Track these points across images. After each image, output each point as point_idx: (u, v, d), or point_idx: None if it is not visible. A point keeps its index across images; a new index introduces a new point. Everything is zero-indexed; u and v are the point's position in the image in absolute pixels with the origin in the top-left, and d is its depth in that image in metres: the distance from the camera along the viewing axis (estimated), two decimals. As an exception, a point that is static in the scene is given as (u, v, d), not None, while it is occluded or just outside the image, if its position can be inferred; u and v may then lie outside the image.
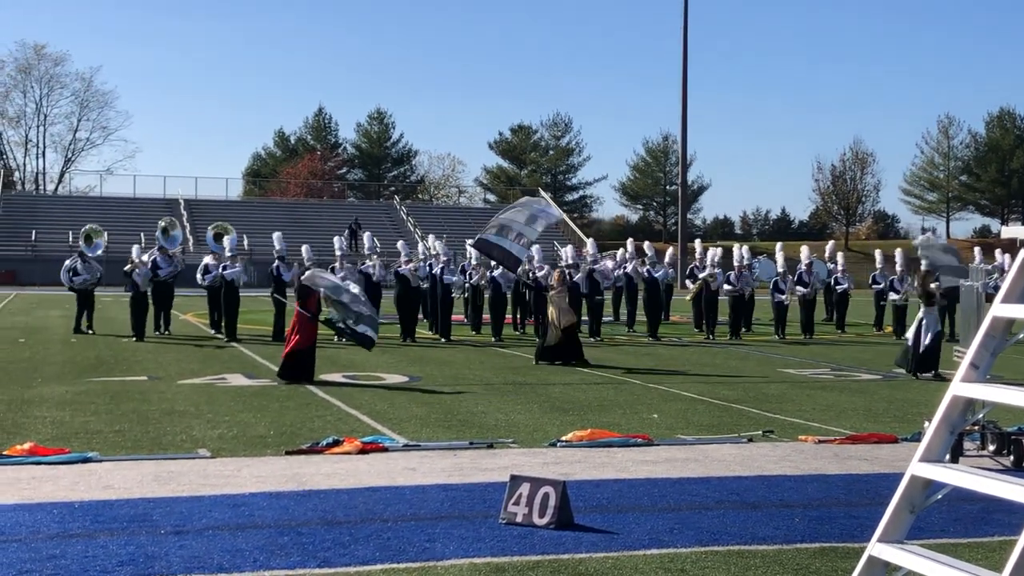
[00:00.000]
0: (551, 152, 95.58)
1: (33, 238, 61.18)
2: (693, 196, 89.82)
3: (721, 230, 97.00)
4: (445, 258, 23.92)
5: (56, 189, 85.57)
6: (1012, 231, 79.33)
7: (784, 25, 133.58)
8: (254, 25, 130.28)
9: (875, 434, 11.07)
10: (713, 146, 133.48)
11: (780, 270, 25.34)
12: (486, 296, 23.98)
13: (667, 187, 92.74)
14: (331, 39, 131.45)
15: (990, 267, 25.85)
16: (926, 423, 4.44)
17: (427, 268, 23.59)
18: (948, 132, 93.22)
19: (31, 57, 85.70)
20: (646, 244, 26.72)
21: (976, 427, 9.96)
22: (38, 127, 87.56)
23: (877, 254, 28.10)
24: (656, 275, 24.69)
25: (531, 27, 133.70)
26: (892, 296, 25.40)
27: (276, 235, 23.10)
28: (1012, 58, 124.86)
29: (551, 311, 18.21)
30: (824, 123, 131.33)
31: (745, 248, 26.20)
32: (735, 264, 24.96)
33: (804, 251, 26.74)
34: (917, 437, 10.37)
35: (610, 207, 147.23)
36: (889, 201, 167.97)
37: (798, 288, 25.18)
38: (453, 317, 23.45)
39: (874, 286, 27.35)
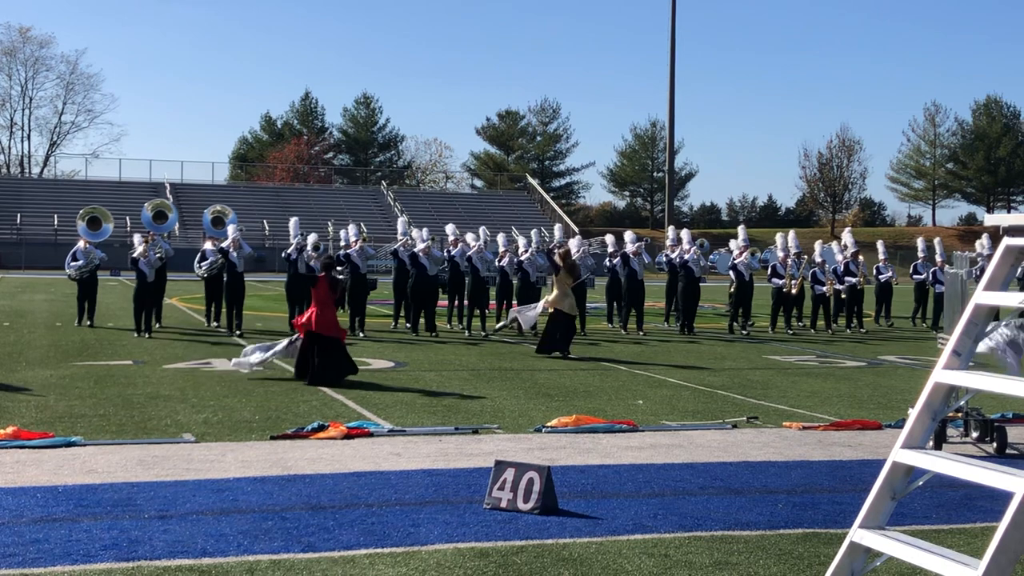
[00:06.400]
0: (539, 138, 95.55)
1: (18, 222, 60.92)
2: (680, 183, 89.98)
3: (708, 217, 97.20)
4: (477, 243, 21.31)
5: (41, 172, 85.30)
6: (995, 219, 79.25)
7: (772, 12, 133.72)
8: (241, 8, 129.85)
9: (859, 420, 11.13)
10: (700, 133, 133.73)
11: (817, 260, 23.68)
12: (514, 284, 21.66)
13: (654, 174, 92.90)
14: (318, 22, 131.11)
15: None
16: (910, 410, 4.45)
17: (445, 254, 21.57)
18: (935, 120, 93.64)
19: (16, 40, 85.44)
20: (684, 231, 23.84)
21: (960, 414, 10.03)
22: (23, 110, 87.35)
23: (919, 242, 26.10)
24: (689, 262, 22.19)
25: (519, 12, 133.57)
26: (940, 288, 23.81)
27: (293, 220, 20.99)
28: (998, 46, 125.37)
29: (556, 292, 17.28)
30: (811, 110, 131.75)
31: (790, 235, 23.70)
32: (779, 254, 23.06)
33: (846, 238, 24.98)
34: (901, 424, 10.42)
35: (597, 193, 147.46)
36: (876, 188, 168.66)
37: (847, 278, 23.77)
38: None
39: (915, 276, 25.82)
